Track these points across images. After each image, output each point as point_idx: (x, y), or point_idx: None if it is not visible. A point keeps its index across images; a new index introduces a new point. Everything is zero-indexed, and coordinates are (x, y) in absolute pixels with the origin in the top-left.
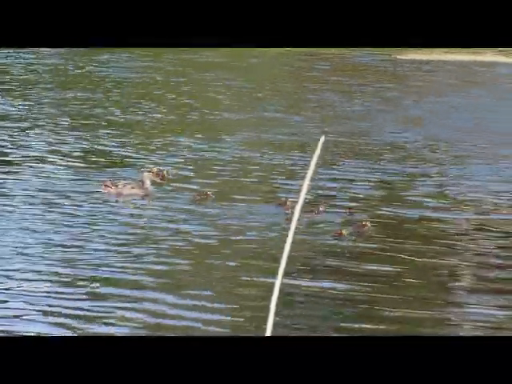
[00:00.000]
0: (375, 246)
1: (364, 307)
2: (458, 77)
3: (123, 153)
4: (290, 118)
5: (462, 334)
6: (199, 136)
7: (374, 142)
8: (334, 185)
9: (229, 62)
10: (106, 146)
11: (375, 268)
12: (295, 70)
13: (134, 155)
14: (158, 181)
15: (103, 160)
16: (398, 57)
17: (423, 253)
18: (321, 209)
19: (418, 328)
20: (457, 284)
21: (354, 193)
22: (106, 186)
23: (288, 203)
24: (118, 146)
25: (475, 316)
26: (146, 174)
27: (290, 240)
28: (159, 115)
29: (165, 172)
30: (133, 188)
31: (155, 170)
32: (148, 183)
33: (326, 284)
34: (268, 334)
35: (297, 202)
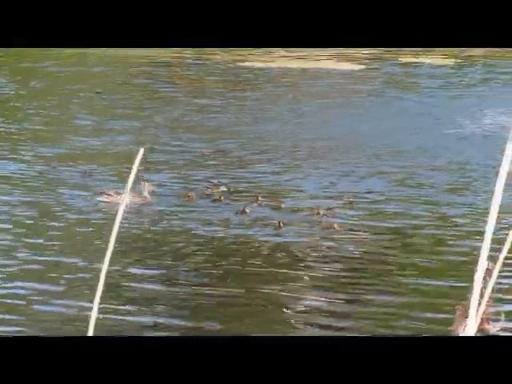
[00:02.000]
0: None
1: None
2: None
3: None
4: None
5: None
6: None
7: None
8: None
9: (67, 70)
10: None
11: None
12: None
13: None
14: (156, 190)
15: None
16: (242, 64)
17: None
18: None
19: None
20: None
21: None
22: (108, 195)
23: (222, 198)
24: None
25: None
26: (145, 183)
27: (113, 239)
28: None
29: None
30: (134, 197)
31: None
32: (147, 192)
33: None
34: (90, 334)
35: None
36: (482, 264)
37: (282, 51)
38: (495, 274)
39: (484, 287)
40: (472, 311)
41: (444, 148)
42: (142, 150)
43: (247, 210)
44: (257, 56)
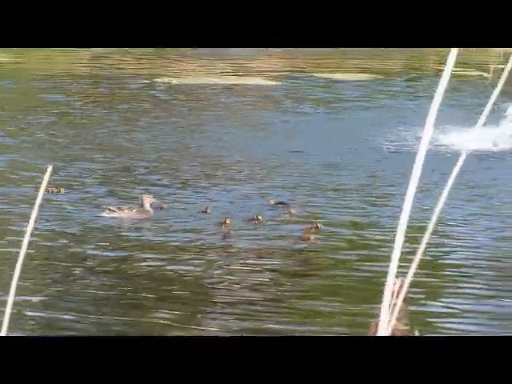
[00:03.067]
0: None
1: None
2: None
3: None
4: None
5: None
6: None
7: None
8: None
9: None
10: None
11: None
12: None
13: None
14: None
15: None
16: (173, 81)
17: None
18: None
19: None
20: None
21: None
22: (110, 210)
23: (208, 211)
24: None
25: None
26: (145, 197)
27: (23, 252)
28: None
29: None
30: (137, 212)
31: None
32: (148, 206)
33: None
34: (3, 333)
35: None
36: (391, 281)
37: (205, 65)
38: (404, 290)
39: (394, 304)
40: (382, 328)
41: (348, 165)
42: (50, 168)
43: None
44: (174, 72)
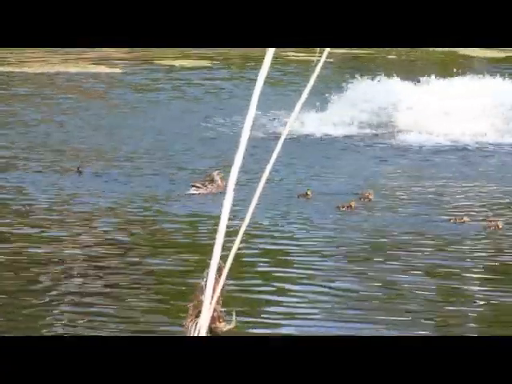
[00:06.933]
0: None
1: None
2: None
3: None
4: None
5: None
6: None
7: None
8: None
9: None
10: None
11: None
12: None
13: None
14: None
15: None
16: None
17: None
18: None
19: None
20: None
21: None
22: (197, 187)
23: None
24: None
25: None
26: (217, 173)
27: None
28: None
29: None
30: (217, 187)
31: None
32: (220, 181)
33: None
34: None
35: None
36: (214, 263)
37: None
38: (225, 272)
39: (216, 286)
40: (204, 310)
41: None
42: None
43: None
44: (15, 60)
